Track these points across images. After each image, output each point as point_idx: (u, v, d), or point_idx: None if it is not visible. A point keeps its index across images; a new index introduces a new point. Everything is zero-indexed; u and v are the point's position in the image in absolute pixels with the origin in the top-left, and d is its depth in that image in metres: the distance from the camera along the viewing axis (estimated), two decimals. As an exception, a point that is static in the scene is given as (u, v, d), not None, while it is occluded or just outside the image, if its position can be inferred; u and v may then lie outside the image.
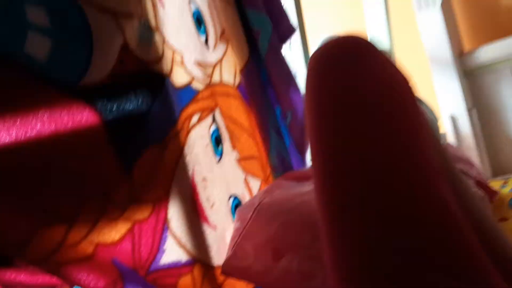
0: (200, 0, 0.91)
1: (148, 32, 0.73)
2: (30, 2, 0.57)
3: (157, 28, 0.76)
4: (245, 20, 1.03)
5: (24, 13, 0.56)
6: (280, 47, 1.13)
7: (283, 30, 1.14)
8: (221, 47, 0.94)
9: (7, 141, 0.50)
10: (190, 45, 0.84)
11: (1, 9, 0.53)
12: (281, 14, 1.14)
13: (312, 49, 0.84)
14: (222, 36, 0.95)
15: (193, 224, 0.71)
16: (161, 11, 0.79)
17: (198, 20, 0.89)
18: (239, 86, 0.96)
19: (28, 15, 0.56)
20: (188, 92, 0.80)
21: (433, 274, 0.36)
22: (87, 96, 0.59)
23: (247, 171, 0.90)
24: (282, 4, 1.16)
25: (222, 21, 0.96)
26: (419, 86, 0.52)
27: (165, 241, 0.65)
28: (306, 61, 1.33)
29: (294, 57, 1.33)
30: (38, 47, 0.56)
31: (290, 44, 1.30)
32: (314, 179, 0.44)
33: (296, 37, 1.33)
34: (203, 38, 0.89)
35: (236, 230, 0.73)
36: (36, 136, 0.53)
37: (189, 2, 0.88)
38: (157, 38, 0.75)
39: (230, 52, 0.97)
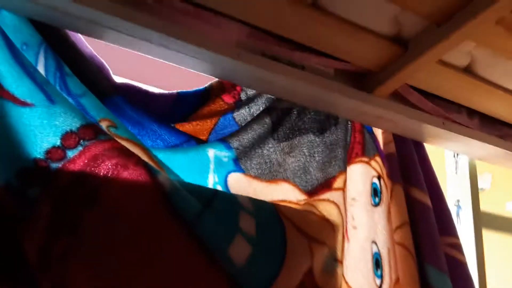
0: (381, 243, 0.97)
1: (334, 263, 0.84)
2: (244, 210, 0.71)
3: (341, 262, 0.86)
4: (424, 276, 0.98)
5: (238, 218, 0.69)
6: None
7: None
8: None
9: None
10: (364, 286, 0.90)
11: (220, 210, 0.66)
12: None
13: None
14: (396, 285, 0.97)
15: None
16: (345, 245, 0.91)
17: (377, 263, 0.95)
18: None
19: (241, 221, 0.69)
20: None
21: None
22: None
23: None
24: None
25: (399, 270, 0.98)
26: None
27: None
28: None
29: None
30: (240, 251, 0.67)
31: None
32: None
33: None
34: (378, 281, 0.94)
35: None
36: None
37: (372, 242, 0.95)
38: (339, 270, 0.84)
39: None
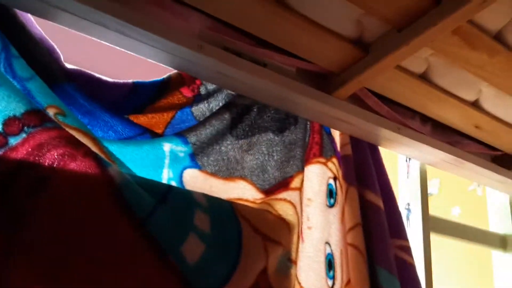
0: (334, 244, 0.97)
1: (288, 263, 0.82)
2: (199, 207, 0.68)
3: (295, 262, 0.84)
4: (374, 277, 0.99)
5: (193, 215, 0.66)
6: None
7: None
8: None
9: None
10: (317, 286, 0.90)
11: (174, 207, 0.63)
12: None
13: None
14: (347, 286, 0.97)
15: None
16: (300, 245, 0.89)
17: (330, 264, 0.94)
18: None
19: (195, 218, 0.67)
20: None
21: None
22: None
23: None
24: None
25: (350, 271, 0.98)
26: None
27: None
28: None
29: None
30: (193, 249, 0.65)
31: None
32: None
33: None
34: (330, 282, 0.93)
35: None
36: None
37: (325, 243, 0.95)
38: (293, 271, 0.83)
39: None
